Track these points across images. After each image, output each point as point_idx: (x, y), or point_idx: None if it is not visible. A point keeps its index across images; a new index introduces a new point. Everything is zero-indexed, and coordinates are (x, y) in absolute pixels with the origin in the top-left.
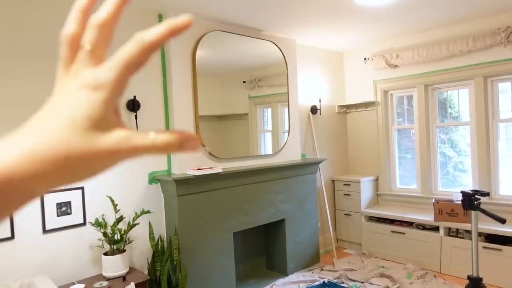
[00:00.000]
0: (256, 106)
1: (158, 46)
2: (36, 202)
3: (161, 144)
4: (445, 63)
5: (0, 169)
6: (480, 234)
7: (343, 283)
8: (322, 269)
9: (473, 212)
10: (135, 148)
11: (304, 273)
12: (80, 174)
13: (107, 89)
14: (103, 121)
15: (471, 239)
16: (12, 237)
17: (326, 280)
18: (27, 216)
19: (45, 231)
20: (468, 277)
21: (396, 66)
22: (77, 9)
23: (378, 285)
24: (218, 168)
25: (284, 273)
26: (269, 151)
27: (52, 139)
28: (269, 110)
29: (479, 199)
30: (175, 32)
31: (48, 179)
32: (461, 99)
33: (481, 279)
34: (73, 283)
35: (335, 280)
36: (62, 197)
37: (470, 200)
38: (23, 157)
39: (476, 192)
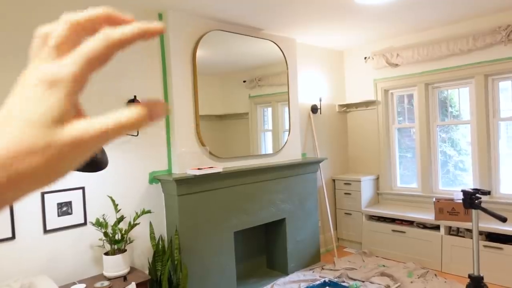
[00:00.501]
0: (256, 106)
1: (126, 45)
2: (37, 202)
3: (128, 120)
4: (445, 62)
5: None
6: (480, 233)
7: (343, 282)
8: (322, 268)
9: (474, 211)
10: (101, 133)
11: (305, 272)
12: (49, 175)
13: (66, 85)
14: (63, 116)
15: (471, 238)
16: (13, 237)
17: (327, 279)
18: (28, 216)
19: (46, 231)
20: (469, 276)
21: (396, 65)
22: (64, 19)
23: (379, 284)
24: (219, 167)
25: (284, 272)
26: (270, 150)
27: (12, 143)
28: (270, 109)
29: (480, 198)
30: (145, 36)
31: (15, 186)
32: (462, 98)
33: (482, 278)
34: (74, 283)
35: (336, 279)
36: (63, 197)
37: (471, 199)
38: None
39: (477, 191)
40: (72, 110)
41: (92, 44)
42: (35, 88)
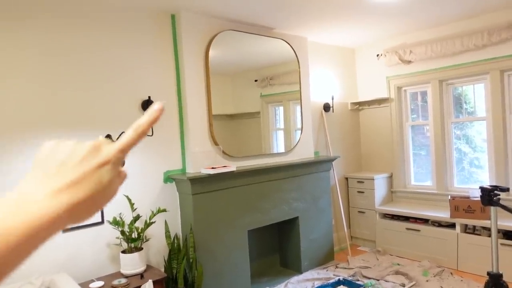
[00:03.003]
0: (267, 105)
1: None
2: None
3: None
4: (459, 58)
5: (61, 211)
6: (497, 231)
7: (358, 280)
8: (336, 267)
9: (492, 208)
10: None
11: (319, 271)
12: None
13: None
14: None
15: (488, 236)
16: None
17: (341, 278)
18: None
19: (64, 229)
20: (488, 273)
21: (409, 61)
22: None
23: (394, 283)
24: (232, 166)
25: (298, 270)
26: (282, 149)
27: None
28: (281, 108)
29: (499, 195)
30: (157, 119)
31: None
32: (477, 94)
33: (501, 275)
34: (93, 280)
35: (350, 278)
36: None
37: (490, 196)
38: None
39: (495, 187)
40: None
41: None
42: (100, 169)
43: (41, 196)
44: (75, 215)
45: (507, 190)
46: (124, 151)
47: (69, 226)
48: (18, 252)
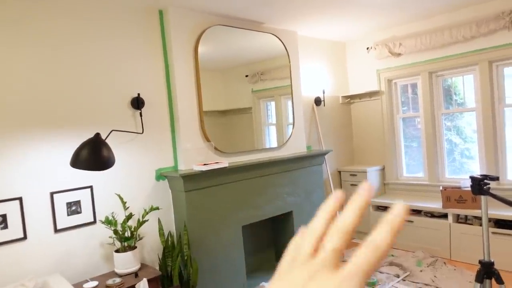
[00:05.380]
0: (259, 100)
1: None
2: (47, 202)
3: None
4: (448, 49)
5: None
6: (488, 220)
7: None
8: None
9: (482, 197)
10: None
11: None
12: None
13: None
14: None
15: (480, 225)
16: (25, 237)
17: None
18: (38, 216)
19: (56, 230)
20: (480, 262)
21: (399, 54)
22: (324, 210)
23: (388, 274)
24: (224, 162)
25: None
26: (274, 144)
27: None
28: (273, 103)
29: (489, 184)
30: (400, 229)
31: None
32: (466, 85)
33: (492, 263)
34: (87, 281)
35: None
36: (72, 196)
37: (480, 185)
38: None
39: (485, 176)
40: None
41: (366, 256)
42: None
43: None
44: None
45: (497, 179)
46: (367, 274)
47: None
48: None
